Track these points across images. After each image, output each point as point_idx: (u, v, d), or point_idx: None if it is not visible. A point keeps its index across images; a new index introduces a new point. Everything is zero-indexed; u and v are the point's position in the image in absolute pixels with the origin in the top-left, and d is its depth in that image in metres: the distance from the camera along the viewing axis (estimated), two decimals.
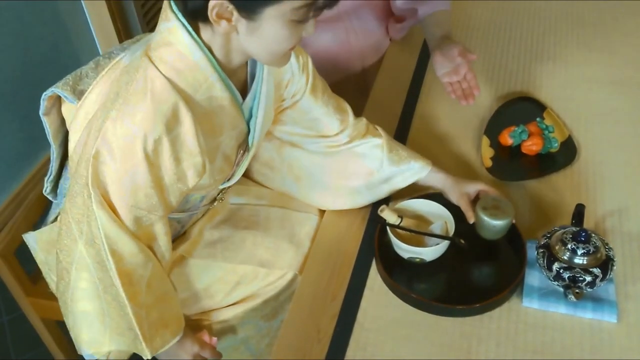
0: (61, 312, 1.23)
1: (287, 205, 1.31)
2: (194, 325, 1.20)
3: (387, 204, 1.16)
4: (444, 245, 1.04)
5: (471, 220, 1.11)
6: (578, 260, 0.98)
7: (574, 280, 0.97)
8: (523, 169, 1.26)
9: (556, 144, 1.27)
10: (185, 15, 0.94)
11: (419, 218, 1.12)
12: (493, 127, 1.34)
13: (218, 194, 1.23)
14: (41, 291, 1.33)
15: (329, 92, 1.24)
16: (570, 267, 0.98)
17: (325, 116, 1.21)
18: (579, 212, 1.06)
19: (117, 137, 0.94)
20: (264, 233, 1.24)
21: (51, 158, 1.14)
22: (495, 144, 1.30)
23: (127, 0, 2.38)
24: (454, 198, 1.17)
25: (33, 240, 1.25)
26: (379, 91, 1.50)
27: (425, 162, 1.21)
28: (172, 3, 0.95)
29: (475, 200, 1.14)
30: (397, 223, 1.07)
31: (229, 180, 1.16)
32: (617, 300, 1.00)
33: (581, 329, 0.98)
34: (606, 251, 1.00)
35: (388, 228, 1.07)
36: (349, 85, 1.88)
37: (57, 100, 1.11)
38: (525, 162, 1.27)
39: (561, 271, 0.98)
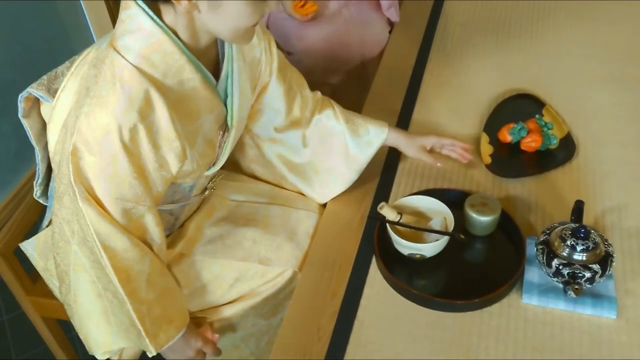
0: (63, 311, 1.24)
1: (286, 203, 1.31)
2: (195, 322, 1.20)
3: (387, 201, 1.16)
4: (443, 240, 1.04)
5: (438, 164, 1.24)
6: (577, 256, 0.98)
7: (573, 277, 0.98)
8: (522, 165, 1.26)
9: (555, 141, 1.27)
10: (147, 0, 0.94)
11: (418, 214, 1.12)
12: (492, 124, 1.34)
13: (208, 183, 1.23)
14: (41, 290, 1.33)
15: (290, 67, 1.26)
16: (569, 263, 0.98)
17: (290, 93, 1.24)
18: (578, 209, 1.06)
19: (92, 131, 0.94)
20: (263, 230, 1.24)
21: (37, 161, 1.13)
22: (494, 140, 1.31)
23: None
24: (412, 152, 1.26)
25: (31, 247, 1.25)
26: (378, 87, 1.50)
27: (381, 123, 1.26)
28: None
29: (432, 151, 1.26)
30: (396, 220, 1.08)
31: (214, 165, 1.15)
32: (616, 296, 1.00)
33: (580, 325, 0.98)
34: (605, 247, 1.00)
35: (388, 225, 1.07)
36: (350, 80, 1.88)
37: (37, 102, 1.10)
38: (524, 159, 1.27)
39: (560, 267, 0.98)
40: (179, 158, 1.02)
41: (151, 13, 0.94)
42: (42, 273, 1.26)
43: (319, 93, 1.29)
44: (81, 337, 1.13)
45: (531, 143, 1.27)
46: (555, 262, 0.99)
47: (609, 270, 0.98)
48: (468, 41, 1.62)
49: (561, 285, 1.00)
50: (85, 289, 1.07)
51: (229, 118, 1.09)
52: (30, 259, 1.27)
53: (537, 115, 1.32)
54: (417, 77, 1.51)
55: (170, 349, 1.11)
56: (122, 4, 0.96)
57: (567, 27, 1.64)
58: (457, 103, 1.43)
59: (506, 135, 1.29)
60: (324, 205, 1.28)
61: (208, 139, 1.08)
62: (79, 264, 1.06)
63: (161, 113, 0.96)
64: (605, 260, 0.98)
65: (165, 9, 0.95)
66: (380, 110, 1.42)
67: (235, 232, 1.24)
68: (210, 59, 1.06)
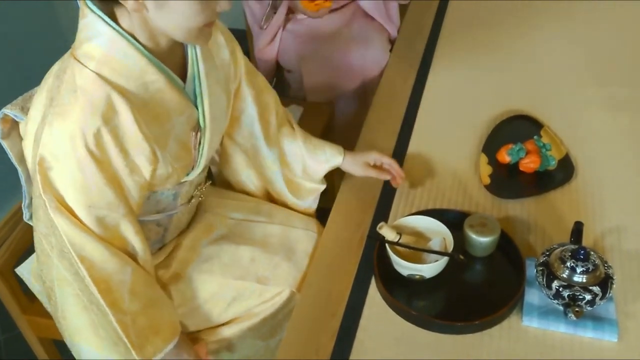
0: (59, 332, 1.22)
1: (285, 222, 1.31)
2: (191, 338, 1.19)
3: (386, 221, 1.16)
4: (443, 261, 1.04)
5: (391, 178, 1.26)
6: (577, 278, 0.98)
7: (573, 299, 0.97)
8: (521, 186, 1.27)
9: (554, 162, 1.27)
10: (101, 5, 0.95)
11: (418, 234, 1.12)
12: (491, 145, 1.34)
13: (194, 191, 1.22)
14: (38, 310, 1.32)
15: (258, 73, 1.29)
16: (569, 285, 0.97)
17: (261, 98, 1.27)
18: (577, 230, 1.06)
19: (56, 139, 0.94)
20: (261, 249, 1.24)
21: (21, 182, 1.13)
22: (493, 161, 1.31)
23: None
24: (359, 171, 1.29)
25: (27, 272, 1.24)
26: (378, 107, 1.51)
27: (338, 148, 1.31)
28: None
29: (377, 167, 1.29)
30: (395, 240, 1.07)
31: (193, 169, 1.14)
32: (617, 319, 1.00)
33: (581, 348, 0.97)
34: (605, 269, 0.99)
35: (387, 245, 1.07)
36: (350, 99, 1.89)
37: (16, 123, 1.10)
38: (523, 180, 1.28)
39: (561, 289, 0.98)
40: (149, 161, 1.01)
41: (107, 18, 0.95)
42: (38, 296, 1.26)
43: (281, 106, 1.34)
44: (74, 354, 1.12)
45: (530, 164, 1.27)
46: (555, 284, 0.98)
47: (610, 292, 0.98)
48: (467, 62, 1.64)
49: (561, 308, 1.00)
50: (71, 304, 1.06)
51: (200, 119, 1.09)
52: (27, 283, 1.26)
53: (535, 137, 1.32)
54: (417, 98, 1.52)
55: (169, 354, 1.09)
56: (80, 13, 0.97)
57: (565, 50, 1.65)
58: (456, 124, 1.43)
59: (505, 156, 1.29)
60: (323, 224, 1.28)
61: (181, 141, 1.07)
62: (61, 278, 1.05)
63: (125, 116, 0.96)
64: (605, 283, 0.98)
65: (120, 14, 0.96)
66: (379, 130, 1.43)
67: (233, 251, 1.23)
68: (176, 61, 1.06)
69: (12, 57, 2.03)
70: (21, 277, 1.27)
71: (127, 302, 1.04)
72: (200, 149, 1.12)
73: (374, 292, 1.08)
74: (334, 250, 1.17)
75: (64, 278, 1.04)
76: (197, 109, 1.09)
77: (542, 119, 1.41)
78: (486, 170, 1.29)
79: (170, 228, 1.22)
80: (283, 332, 1.11)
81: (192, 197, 1.22)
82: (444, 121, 1.45)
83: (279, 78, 2.05)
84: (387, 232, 1.08)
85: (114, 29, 0.95)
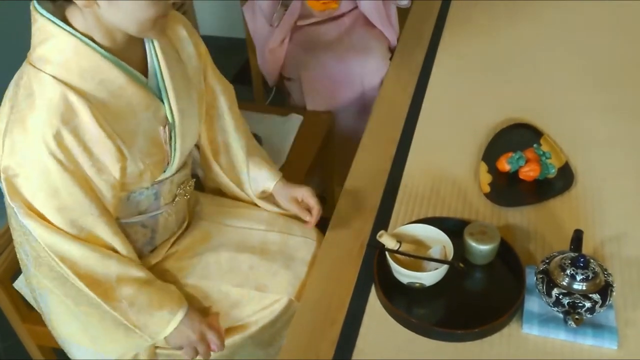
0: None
1: (284, 230, 1.31)
2: (201, 311, 1.18)
3: (386, 229, 1.16)
4: (443, 269, 1.04)
5: (308, 220, 1.25)
6: (577, 286, 0.98)
7: (573, 306, 0.97)
8: (521, 194, 1.27)
9: (553, 170, 1.28)
10: (52, 9, 0.95)
11: (418, 243, 1.12)
12: (490, 153, 1.34)
13: (177, 190, 1.21)
14: (37, 318, 1.31)
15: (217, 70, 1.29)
16: (569, 292, 0.97)
17: (227, 92, 1.28)
18: (577, 238, 1.06)
19: (18, 146, 0.95)
20: (260, 257, 1.24)
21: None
22: (493, 169, 1.31)
23: None
24: (284, 203, 1.28)
25: (24, 286, 1.24)
26: (378, 116, 1.52)
27: (273, 173, 1.29)
28: (35, 3, 0.96)
29: (302, 203, 1.27)
30: (395, 248, 1.07)
31: (169, 165, 1.14)
32: (617, 327, 1.00)
33: (581, 356, 0.97)
34: (605, 277, 0.99)
35: (387, 253, 1.07)
36: (349, 108, 1.90)
37: None
38: (523, 188, 1.28)
39: (560, 297, 0.98)
40: (116, 159, 1.01)
41: (57, 20, 0.96)
42: (38, 310, 1.25)
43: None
44: (70, 357, 1.12)
45: (529, 172, 1.27)
46: (555, 292, 0.98)
47: (609, 300, 0.98)
48: (466, 71, 1.64)
49: (561, 315, 1.00)
50: (56, 312, 1.06)
51: (168, 113, 1.09)
52: (25, 297, 1.26)
53: (535, 145, 1.33)
54: (417, 106, 1.52)
55: (173, 336, 1.08)
56: (32, 19, 0.98)
57: (565, 58, 1.66)
58: (455, 132, 1.44)
59: (504, 164, 1.30)
60: (323, 232, 1.28)
61: (150, 137, 1.07)
62: (42, 286, 1.05)
63: (85, 116, 0.96)
64: (605, 290, 0.98)
65: (72, 15, 0.96)
66: (379, 139, 1.43)
67: (231, 258, 1.23)
68: (137, 56, 1.06)
69: None
70: (19, 291, 1.27)
71: (118, 290, 1.04)
72: (173, 144, 1.12)
73: (374, 300, 1.07)
74: (334, 258, 1.17)
75: (44, 286, 1.04)
76: (164, 103, 1.09)
77: (541, 127, 1.42)
78: (486, 178, 1.29)
79: (158, 230, 1.21)
80: (282, 341, 1.11)
81: (175, 196, 1.21)
82: (444, 129, 1.45)
83: (279, 86, 2.06)
84: (387, 240, 1.08)
85: (64, 30, 0.96)
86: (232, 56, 2.86)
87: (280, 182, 1.31)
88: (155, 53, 1.06)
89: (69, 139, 0.96)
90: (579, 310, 0.97)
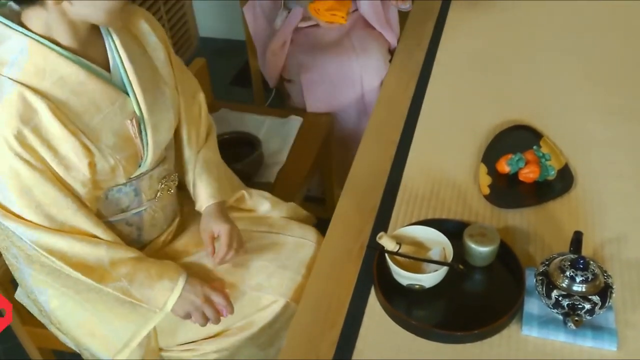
0: (58, 342, 1.22)
1: (282, 231, 1.31)
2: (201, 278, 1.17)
3: (385, 231, 1.17)
4: (442, 271, 1.04)
5: (210, 253, 1.19)
6: (577, 287, 0.98)
7: (573, 308, 0.97)
8: (521, 196, 1.27)
9: (553, 172, 1.28)
10: (8, 14, 0.96)
11: (417, 244, 1.12)
12: (490, 155, 1.35)
13: (159, 185, 1.20)
14: (37, 320, 1.32)
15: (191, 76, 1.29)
16: (569, 294, 0.97)
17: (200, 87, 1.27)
18: (576, 240, 1.06)
19: None
20: (258, 258, 1.24)
21: None
22: (492, 171, 1.31)
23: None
24: (202, 231, 1.22)
25: (24, 296, 1.24)
26: (377, 118, 1.52)
27: (215, 196, 1.24)
28: None
29: (216, 239, 1.20)
30: (395, 250, 1.08)
31: (143, 160, 1.14)
32: (616, 328, 1.00)
33: (581, 358, 0.97)
34: (605, 279, 1.00)
35: (387, 255, 1.07)
36: (349, 110, 1.90)
37: None
38: (522, 190, 1.28)
39: (560, 299, 0.98)
40: (83, 155, 1.01)
41: (10, 23, 0.96)
42: (40, 319, 1.25)
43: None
44: (90, 355, 1.12)
45: (529, 174, 1.27)
46: (554, 294, 0.98)
47: (609, 301, 0.98)
48: (466, 72, 1.64)
49: (561, 317, 1.00)
50: (60, 307, 1.06)
51: (135, 107, 1.09)
52: (27, 307, 1.26)
53: (534, 147, 1.33)
54: (416, 108, 1.52)
55: (178, 304, 1.09)
56: None
57: (565, 60, 1.66)
58: (455, 134, 1.44)
59: (504, 166, 1.30)
60: (322, 234, 1.28)
61: (118, 131, 1.07)
62: (38, 282, 1.05)
63: (45, 114, 0.97)
64: (604, 292, 0.98)
65: (28, 18, 0.97)
66: (379, 140, 1.43)
67: (230, 259, 1.23)
68: (99, 53, 1.07)
69: None
70: (20, 301, 1.27)
71: (113, 272, 1.05)
72: (145, 138, 1.12)
73: (373, 301, 1.08)
74: (333, 259, 1.17)
75: (41, 282, 1.04)
76: (130, 97, 1.09)
77: (541, 129, 1.42)
78: (485, 180, 1.30)
79: (144, 227, 1.21)
80: (282, 342, 1.11)
81: (157, 191, 1.20)
82: (444, 131, 1.45)
83: (278, 88, 2.06)
84: (386, 242, 1.08)
85: (18, 31, 0.96)
86: (232, 58, 2.87)
87: (211, 208, 1.25)
88: (115, 47, 1.07)
89: (31, 138, 0.96)
90: (579, 311, 0.97)
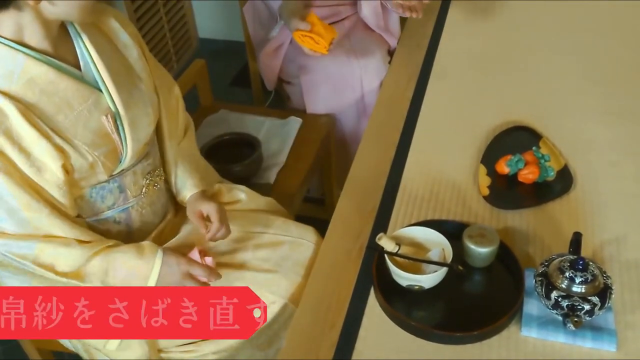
0: (58, 343, 1.22)
1: (281, 232, 1.31)
2: (181, 251, 1.17)
3: (385, 232, 1.17)
4: (442, 272, 1.04)
5: (203, 232, 1.20)
6: (576, 288, 0.98)
7: (572, 309, 0.97)
8: (520, 197, 1.27)
9: (552, 173, 1.28)
10: None
11: (417, 245, 1.12)
12: (490, 156, 1.35)
13: (145, 181, 1.20)
14: None
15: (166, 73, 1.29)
16: (568, 295, 0.98)
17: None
18: (576, 241, 1.06)
19: None
20: (256, 258, 1.24)
21: None
22: (492, 172, 1.31)
23: (118, 0, 2.40)
24: (190, 215, 1.24)
25: None
26: (377, 119, 1.52)
27: (194, 186, 1.26)
28: None
29: (207, 218, 1.22)
30: (394, 251, 1.08)
31: (123, 156, 1.13)
32: (616, 329, 1.00)
33: (580, 358, 0.97)
34: (604, 279, 1.00)
35: (386, 256, 1.07)
36: (349, 111, 1.90)
37: None
38: (522, 191, 1.28)
39: (559, 299, 0.98)
40: (55, 157, 1.02)
41: None
42: None
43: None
44: (87, 357, 1.12)
45: (528, 175, 1.28)
46: (554, 294, 0.98)
47: (608, 302, 0.98)
48: (466, 74, 1.65)
49: (560, 318, 1.00)
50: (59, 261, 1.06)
51: (109, 102, 1.10)
52: None
53: (534, 148, 1.33)
54: (415, 109, 1.53)
55: (161, 280, 1.09)
56: None
57: (564, 61, 1.66)
58: (454, 135, 1.44)
59: (504, 167, 1.30)
60: (322, 234, 1.28)
61: (93, 128, 1.08)
62: (16, 284, 1.06)
63: (15, 117, 0.97)
64: (604, 293, 0.98)
65: (6, 15, 0.97)
66: (378, 141, 1.43)
67: (227, 259, 1.23)
68: (70, 52, 1.07)
69: None
70: None
71: (88, 266, 1.06)
72: (122, 134, 1.12)
73: (373, 302, 1.08)
74: (333, 260, 1.17)
75: (19, 281, 1.05)
76: (103, 93, 1.09)
77: (540, 130, 1.42)
78: (485, 181, 1.30)
79: (133, 224, 1.21)
80: (281, 342, 1.11)
81: (143, 187, 1.20)
82: (443, 132, 1.45)
83: (278, 89, 2.06)
84: (386, 243, 1.08)
85: None
86: (231, 59, 2.87)
87: (195, 195, 1.27)
88: (85, 46, 1.08)
89: (2, 141, 0.97)
90: (578, 312, 0.97)
